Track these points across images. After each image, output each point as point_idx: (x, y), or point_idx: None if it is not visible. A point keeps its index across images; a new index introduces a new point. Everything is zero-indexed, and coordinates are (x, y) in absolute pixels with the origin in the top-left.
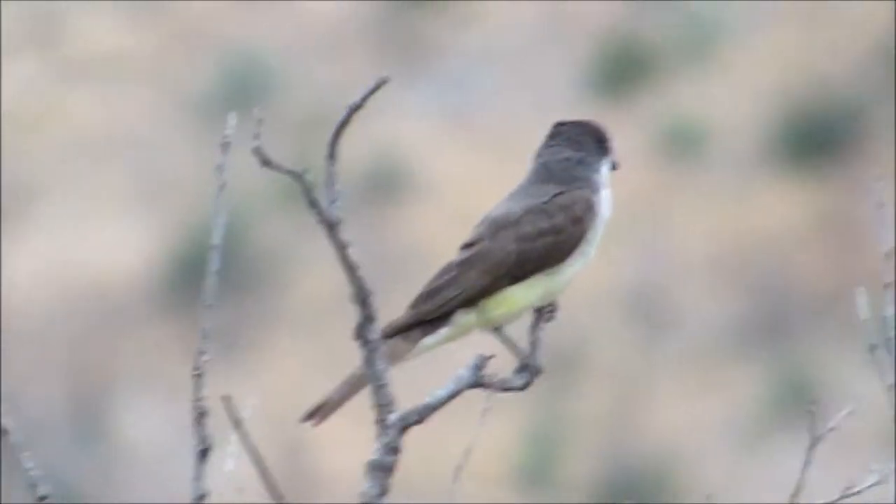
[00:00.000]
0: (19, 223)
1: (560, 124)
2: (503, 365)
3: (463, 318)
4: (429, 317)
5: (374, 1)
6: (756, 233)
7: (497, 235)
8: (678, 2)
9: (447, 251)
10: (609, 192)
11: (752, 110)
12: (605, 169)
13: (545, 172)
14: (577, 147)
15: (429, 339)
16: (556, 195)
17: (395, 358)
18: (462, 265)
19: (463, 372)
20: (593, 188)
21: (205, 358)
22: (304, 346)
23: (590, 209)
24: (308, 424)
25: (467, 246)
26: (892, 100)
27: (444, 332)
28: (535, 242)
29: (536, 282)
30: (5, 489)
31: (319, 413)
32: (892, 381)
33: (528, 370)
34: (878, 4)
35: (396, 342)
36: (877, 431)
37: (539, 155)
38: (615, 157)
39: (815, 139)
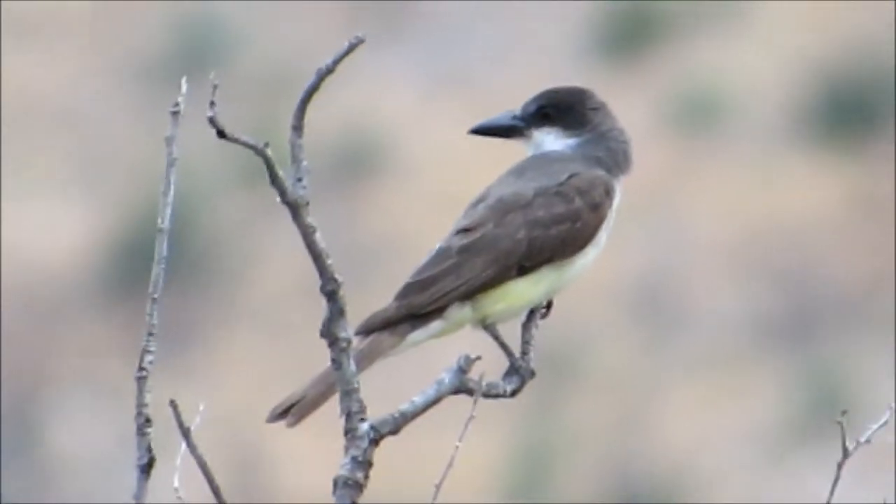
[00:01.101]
0: None
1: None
2: (491, 367)
3: (458, 312)
4: (423, 310)
5: None
6: (781, 217)
7: (505, 219)
8: None
9: (428, 238)
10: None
11: (779, 76)
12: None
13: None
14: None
15: (417, 334)
16: (572, 176)
17: (378, 353)
18: (463, 252)
19: (445, 375)
20: (608, 170)
21: (150, 357)
22: (263, 345)
23: (609, 194)
24: (269, 428)
25: (467, 230)
26: None
27: (435, 326)
28: (549, 230)
29: (543, 275)
30: None
31: (293, 412)
32: None
33: (520, 374)
34: None
35: (381, 336)
36: None
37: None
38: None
39: (850, 109)
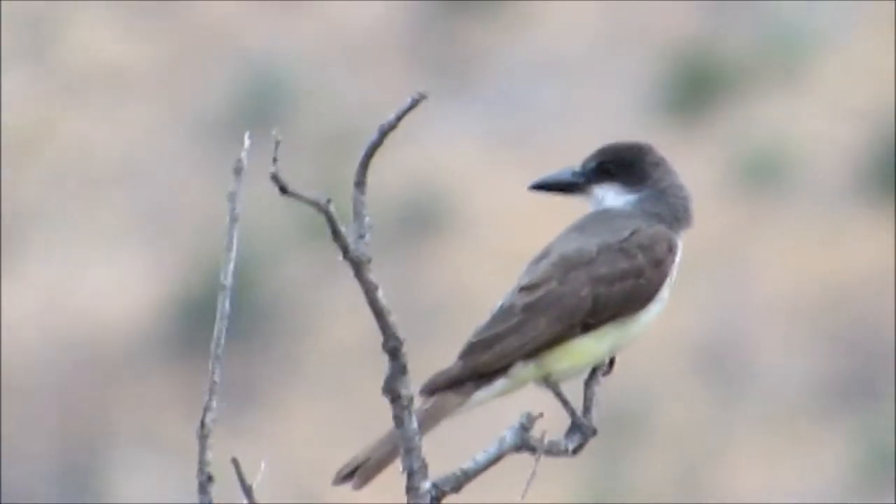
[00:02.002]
0: (7, 259)
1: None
2: (553, 424)
3: (522, 370)
4: (487, 369)
5: (410, 2)
6: (846, 276)
7: (568, 276)
8: (761, 2)
9: (491, 296)
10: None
11: (845, 134)
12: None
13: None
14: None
15: (482, 393)
16: (634, 232)
17: (443, 413)
18: (528, 310)
19: (507, 433)
20: (669, 225)
21: (212, 415)
22: (325, 403)
23: (672, 251)
24: (330, 487)
25: (530, 287)
26: None
27: (499, 385)
28: (612, 287)
29: (607, 332)
30: None
31: (359, 474)
32: None
33: (581, 431)
34: None
35: (446, 395)
36: None
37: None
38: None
39: None
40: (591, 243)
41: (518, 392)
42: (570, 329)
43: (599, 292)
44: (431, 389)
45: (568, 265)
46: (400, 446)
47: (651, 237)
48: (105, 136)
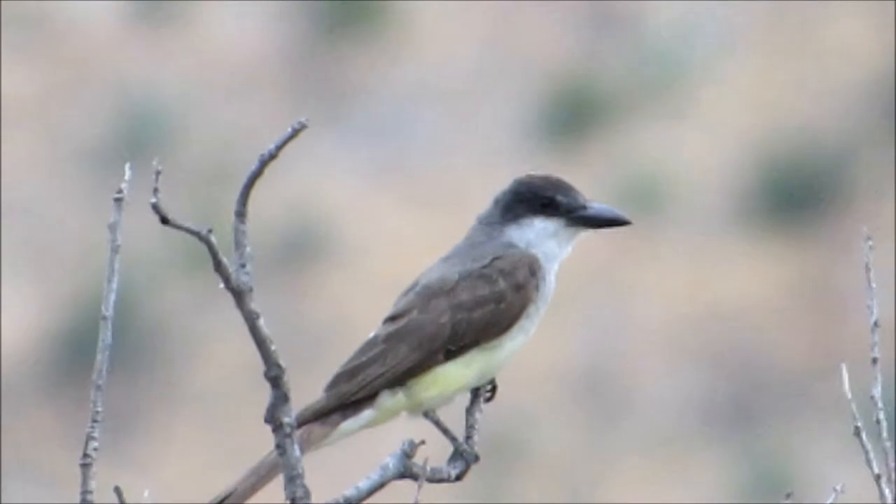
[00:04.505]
0: None
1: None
2: (436, 451)
3: (389, 400)
4: (350, 399)
5: (289, 31)
6: (725, 302)
7: (429, 305)
8: (642, 31)
9: (373, 323)
10: (550, 255)
11: (723, 160)
12: (531, 231)
13: (477, 234)
14: (499, 207)
15: (349, 424)
16: (495, 258)
17: (310, 444)
18: (389, 340)
19: (389, 460)
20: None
21: (94, 444)
22: (208, 431)
23: (534, 275)
24: None
25: (394, 318)
26: (886, 147)
27: (366, 415)
28: (472, 313)
29: (472, 358)
30: None
31: None
32: (879, 469)
33: (464, 458)
34: (871, 34)
35: (312, 427)
36: None
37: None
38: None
39: (795, 194)
40: (453, 271)
41: (400, 421)
42: (432, 356)
43: (459, 319)
44: (299, 422)
45: (430, 294)
46: (283, 474)
47: (512, 262)
48: None
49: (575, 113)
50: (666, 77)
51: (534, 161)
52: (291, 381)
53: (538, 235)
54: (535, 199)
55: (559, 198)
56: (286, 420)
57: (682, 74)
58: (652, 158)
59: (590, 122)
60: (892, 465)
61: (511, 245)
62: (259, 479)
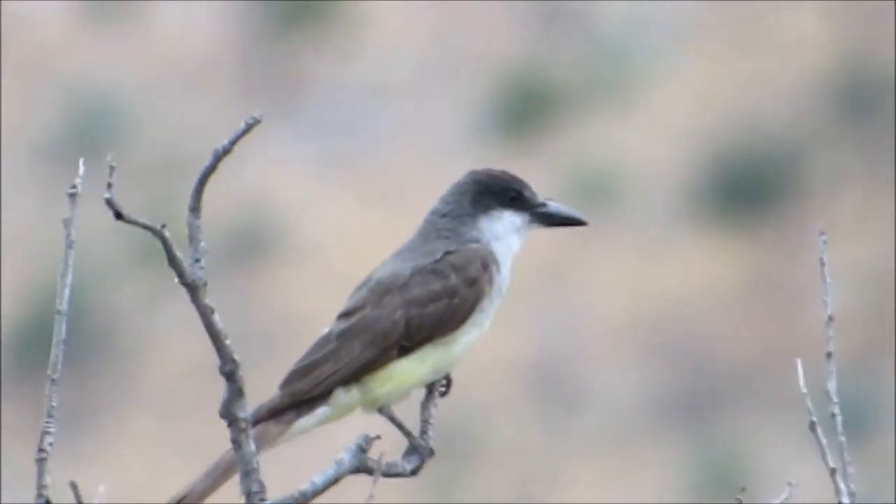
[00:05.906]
0: None
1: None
2: (391, 447)
3: (344, 396)
4: (304, 396)
5: (241, 25)
6: (676, 296)
7: (382, 301)
8: (592, 26)
9: (325, 318)
10: (508, 249)
11: (674, 155)
12: (500, 224)
13: (432, 228)
14: (466, 198)
15: (304, 421)
16: (447, 253)
17: (266, 443)
18: (342, 336)
19: (344, 455)
20: (486, 245)
21: (50, 439)
22: (162, 426)
23: (486, 269)
24: None
25: (347, 314)
26: (836, 142)
27: (321, 412)
28: (425, 308)
29: (427, 354)
30: None
31: None
32: (834, 463)
33: (419, 453)
34: (821, 29)
35: (267, 425)
36: None
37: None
38: (544, 210)
39: (744, 188)
40: (405, 267)
41: (356, 416)
42: (386, 352)
43: (412, 314)
44: (254, 421)
45: (382, 290)
46: (238, 469)
47: (465, 257)
48: None
49: (525, 108)
50: (616, 72)
51: (484, 156)
52: (245, 376)
53: (506, 228)
54: (504, 193)
55: (526, 193)
56: (241, 415)
57: (632, 69)
58: (602, 153)
59: (540, 117)
60: (847, 459)
61: (473, 239)
62: (218, 476)
